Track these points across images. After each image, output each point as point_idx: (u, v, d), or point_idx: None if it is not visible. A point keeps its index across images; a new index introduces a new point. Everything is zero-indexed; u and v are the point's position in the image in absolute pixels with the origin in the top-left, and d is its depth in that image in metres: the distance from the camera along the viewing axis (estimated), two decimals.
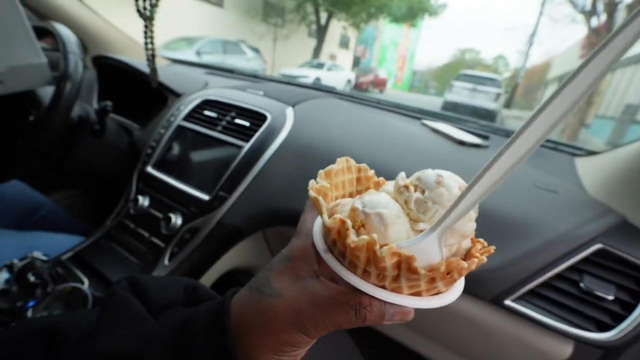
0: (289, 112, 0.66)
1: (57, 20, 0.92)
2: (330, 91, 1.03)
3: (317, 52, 11.96)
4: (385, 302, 0.18)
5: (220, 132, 0.65)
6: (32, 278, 0.45)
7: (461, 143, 0.66)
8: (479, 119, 0.90)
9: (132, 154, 0.76)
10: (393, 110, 0.94)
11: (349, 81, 10.55)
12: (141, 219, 0.63)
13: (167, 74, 0.88)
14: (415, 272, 0.16)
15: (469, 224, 0.18)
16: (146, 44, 0.52)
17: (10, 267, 0.46)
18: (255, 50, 8.31)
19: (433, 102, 11.05)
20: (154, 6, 0.50)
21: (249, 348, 0.19)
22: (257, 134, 0.62)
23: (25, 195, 0.80)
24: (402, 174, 0.20)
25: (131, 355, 0.20)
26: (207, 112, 0.69)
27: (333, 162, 0.23)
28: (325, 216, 0.18)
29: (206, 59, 6.53)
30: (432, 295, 0.18)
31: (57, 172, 0.82)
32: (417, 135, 0.70)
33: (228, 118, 0.67)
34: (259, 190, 0.57)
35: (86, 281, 0.52)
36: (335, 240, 0.18)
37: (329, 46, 13.93)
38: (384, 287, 0.17)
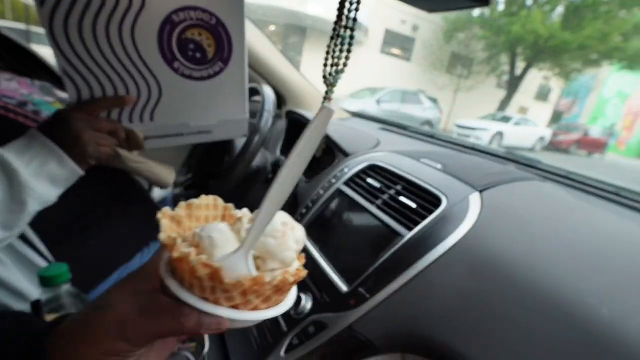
0: (474, 199, 0.49)
1: (271, 78, 1.11)
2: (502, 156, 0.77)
3: (504, 104, 10.73)
4: (201, 312, 0.19)
5: (378, 207, 0.55)
6: None
7: None
8: None
9: (292, 204, 0.77)
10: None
11: (541, 138, 8.81)
12: None
13: (340, 130, 0.89)
14: (221, 282, 0.18)
15: (287, 252, 0.21)
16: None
17: None
18: (433, 100, 8.28)
19: None
20: (339, 72, 0.47)
21: None
22: (423, 223, 0.48)
23: None
24: (244, 210, 0.25)
25: None
26: (369, 180, 0.62)
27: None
28: (162, 234, 0.20)
29: (384, 106, 7.03)
30: (249, 309, 0.20)
31: None
32: None
33: (392, 192, 0.57)
34: (409, 303, 0.42)
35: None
36: (170, 258, 0.20)
37: (521, 98, 12.22)
38: (206, 299, 0.19)
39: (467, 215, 0.46)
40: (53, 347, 0.20)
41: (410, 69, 11.00)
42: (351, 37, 0.48)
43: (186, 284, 0.19)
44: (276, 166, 0.73)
